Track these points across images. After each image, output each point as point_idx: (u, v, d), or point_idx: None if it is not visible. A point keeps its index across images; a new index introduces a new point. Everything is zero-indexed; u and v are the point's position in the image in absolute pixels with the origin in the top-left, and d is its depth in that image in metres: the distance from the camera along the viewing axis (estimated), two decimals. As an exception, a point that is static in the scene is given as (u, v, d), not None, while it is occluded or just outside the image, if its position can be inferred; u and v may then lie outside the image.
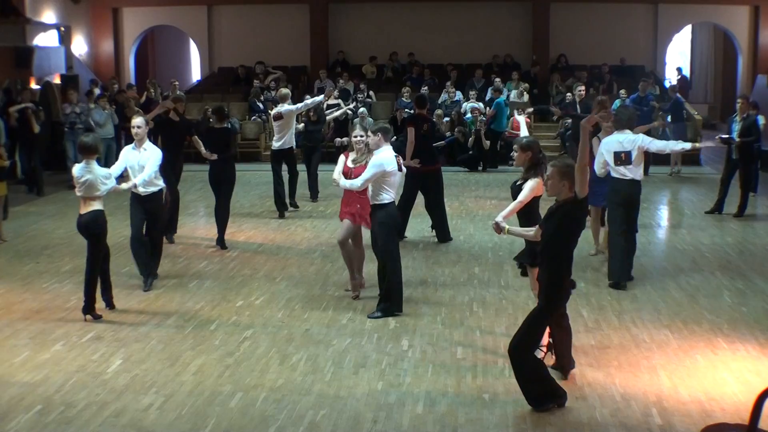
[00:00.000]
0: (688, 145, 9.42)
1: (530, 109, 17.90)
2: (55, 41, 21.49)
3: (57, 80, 20.22)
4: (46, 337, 7.49)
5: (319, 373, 6.64)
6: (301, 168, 13.97)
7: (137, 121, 8.90)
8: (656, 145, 9.20)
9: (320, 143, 15.01)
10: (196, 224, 12.49)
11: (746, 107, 12.87)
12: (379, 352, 7.08)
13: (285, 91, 13.78)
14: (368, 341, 7.35)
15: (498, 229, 6.53)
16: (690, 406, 5.99)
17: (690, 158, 18.58)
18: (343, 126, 19.11)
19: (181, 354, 7.06)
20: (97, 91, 18.53)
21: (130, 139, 9.29)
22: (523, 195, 6.95)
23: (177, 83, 19.95)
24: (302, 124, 14.55)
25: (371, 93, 20.96)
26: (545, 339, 6.60)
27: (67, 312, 8.21)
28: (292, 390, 6.30)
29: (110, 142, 16.03)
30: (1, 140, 12.88)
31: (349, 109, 18.34)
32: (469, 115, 18.70)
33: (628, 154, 8.96)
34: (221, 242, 10.84)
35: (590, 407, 5.97)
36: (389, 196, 7.98)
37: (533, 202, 7.05)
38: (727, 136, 12.99)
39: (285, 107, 13.19)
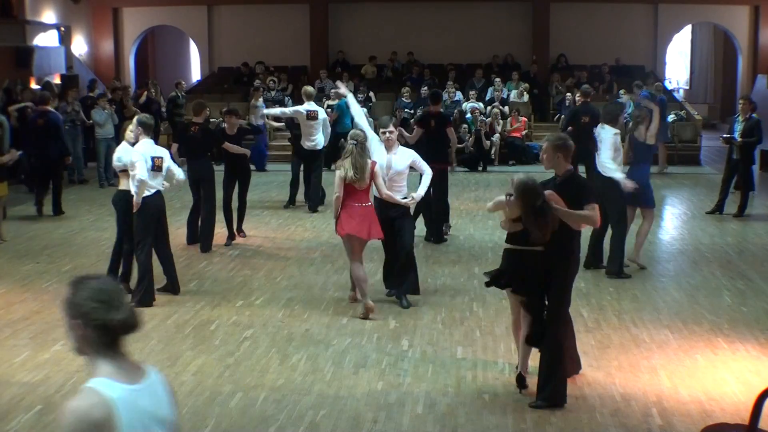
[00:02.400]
0: (617, 176, 9.18)
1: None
2: (55, 41, 21.49)
3: (57, 80, 20.22)
4: (46, 337, 7.49)
5: (319, 373, 6.64)
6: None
7: (133, 121, 8.85)
8: (605, 154, 9.29)
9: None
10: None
11: (748, 108, 12.88)
12: (379, 352, 7.08)
13: (311, 89, 13.75)
14: (368, 341, 7.35)
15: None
16: (690, 406, 5.99)
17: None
18: (343, 126, 19.11)
19: (181, 354, 7.06)
20: (97, 91, 18.56)
21: None
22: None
23: (184, 83, 19.95)
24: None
25: (371, 94, 20.95)
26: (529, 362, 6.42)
27: (67, 312, 8.19)
28: (292, 390, 6.30)
29: (110, 142, 16.00)
30: (5, 141, 12.74)
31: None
32: (469, 115, 18.71)
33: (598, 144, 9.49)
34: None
35: (590, 407, 5.97)
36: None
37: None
38: (729, 135, 13.00)
39: (316, 106, 13.38)
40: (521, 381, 6.21)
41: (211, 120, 11.82)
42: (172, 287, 8.79)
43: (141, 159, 8.24)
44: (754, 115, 13.48)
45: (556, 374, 5.95)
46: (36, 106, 14.17)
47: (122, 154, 8.62)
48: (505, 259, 6.29)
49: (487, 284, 6.49)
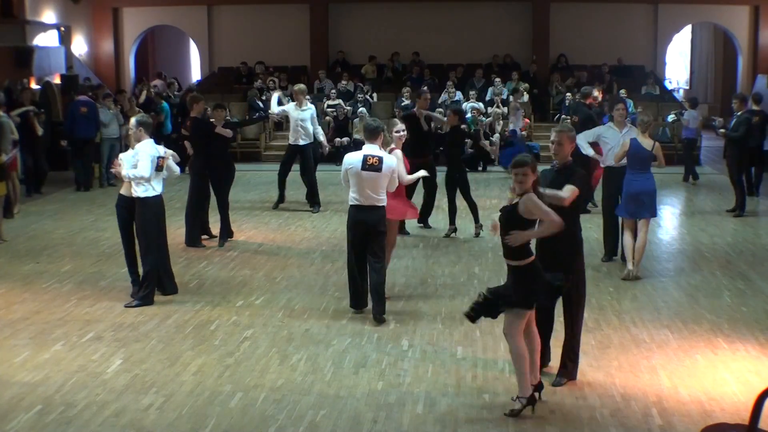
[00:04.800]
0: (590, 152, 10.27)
1: None
2: (55, 41, 21.49)
3: (57, 80, 20.22)
4: (46, 337, 7.49)
5: (319, 373, 6.64)
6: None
7: (131, 121, 8.80)
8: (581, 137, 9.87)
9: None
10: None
11: (742, 106, 13.01)
12: (379, 352, 7.08)
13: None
14: (368, 341, 7.35)
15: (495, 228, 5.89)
16: (690, 406, 5.99)
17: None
18: (343, 126, 19.12)
19: (181, 354, 7.06)
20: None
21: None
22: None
23: (177, 83, 19.93)
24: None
25: (372, 95, 20.93)
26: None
27: (67, 312, 8.21)
28: (292, 390, 6.30)
29: (114, 142, 16.07)
30: (8, 140, 12.68)
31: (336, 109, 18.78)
32: (469, 115, 18.70)
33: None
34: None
35: (590, 407, 5.97)
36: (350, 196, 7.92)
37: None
38: (720, 128, 13.20)
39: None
40: (539, 388, 5.92)
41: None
42: (170, 287, 8.80)
43: (147, 158, 8.27)
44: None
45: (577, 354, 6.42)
46: (77, 95, 16.17)
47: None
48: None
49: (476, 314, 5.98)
